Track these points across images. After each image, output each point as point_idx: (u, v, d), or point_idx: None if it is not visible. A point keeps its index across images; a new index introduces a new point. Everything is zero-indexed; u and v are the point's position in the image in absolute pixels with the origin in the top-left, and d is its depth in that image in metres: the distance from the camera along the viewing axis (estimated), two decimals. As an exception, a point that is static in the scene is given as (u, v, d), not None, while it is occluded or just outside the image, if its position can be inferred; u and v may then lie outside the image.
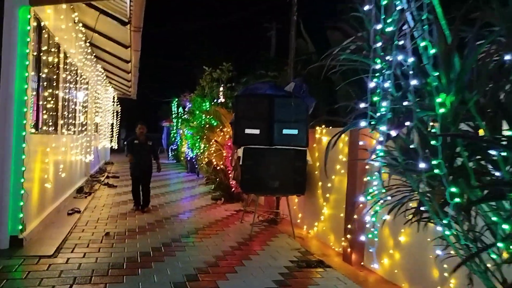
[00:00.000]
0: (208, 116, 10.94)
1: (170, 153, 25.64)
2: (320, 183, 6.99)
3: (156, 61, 33.05)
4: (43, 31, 6.38)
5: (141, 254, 5.57)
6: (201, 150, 11.10)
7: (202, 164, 11.33)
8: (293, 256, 5.84)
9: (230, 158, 8.15)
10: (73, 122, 9.97)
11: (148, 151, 8.64)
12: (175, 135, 24.46)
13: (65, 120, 8.76)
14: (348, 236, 5.68)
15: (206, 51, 30.06)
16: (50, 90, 7.18)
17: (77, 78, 10.21)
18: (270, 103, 7.05)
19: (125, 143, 9.50)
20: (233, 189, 9.54)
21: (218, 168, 10.28)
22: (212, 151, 10.30)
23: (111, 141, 24.77)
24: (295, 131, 7.03)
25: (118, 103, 25.18)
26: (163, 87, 34.27)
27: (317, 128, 7.20)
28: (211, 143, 10.48)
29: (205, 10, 32.49)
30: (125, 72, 13.93)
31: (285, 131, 7.02)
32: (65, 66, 8.54)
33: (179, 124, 22.86)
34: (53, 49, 7.09)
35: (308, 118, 7.14)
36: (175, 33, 31.82)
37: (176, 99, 25.77)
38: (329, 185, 6.63)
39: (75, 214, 7.93)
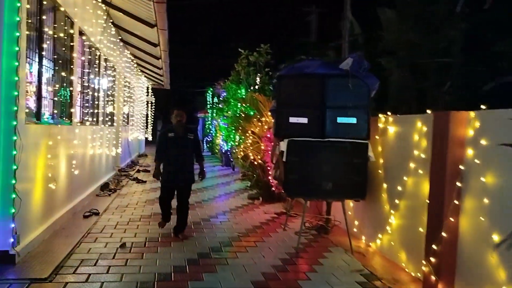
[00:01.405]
0: (244, 105, 9.65)
1: (205, 145, 24.69)
2: (385, 185, 5.53)
3: (190, 50, 32.17)
4: (45, -2, 5.25)
5: (159, 277, 4.35)
6: (236, 143, 9.84)
7: (237, 158, 10.07)
8: (355, 282, 4.46)
9: (270, 153, 6.79)
10: (96, 111, 8.95)
11: (189, 150, 5.97)
12: (210, 126, 23.48)
13: (83, 109, 7.71)
14: (432, 259, 4.22)
15: (241, 38, 28.76)
16: (60, 73, 6.09)
17: (100, 62, 9.17)
18: (322, 84, 5.64)
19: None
20: (273, 188, 8.22)
21: (255, 163, 8.99)
22: (248, 144, 9.02)
23: (145, 132, 24.13)
24: (353, 120, 5.60)
25: (152, 93, 24.46)
26: (198, 77, 33.39)
27: (381, 115, 5.72)
28: (247, 134, 9.19)
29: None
30: (155, 58, 12.86)
31: (340, 120, 5.60)
32: (82, 48, 7.47)
33: (214, 114, 21.82)
34: (60, 23, 5.97)
35: (370, 103, 5.69)
36: (210, 19, 30.70)
37: (211, 89, 24.76)
38: (399, 188, 5.16)
39: (92, 216, 6.89)
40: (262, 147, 8.79)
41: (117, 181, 10.87)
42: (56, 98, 5.84)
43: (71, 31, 6.48)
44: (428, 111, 4.84)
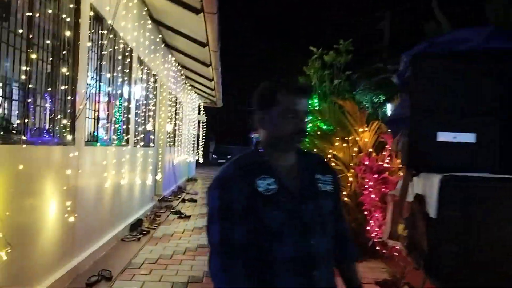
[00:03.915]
0: (320, 118, 7.07)
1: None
2: None
3: (243, 63, 30.24)
4: None
5: None
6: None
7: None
8: None
9: (399, 198, 4.00)
10: (124, 127, 6.77)
11: (329, 231, 1.66)
12: (266, 147, 21.08)
13: (98, 123, 5.50)
14: None
15: (302, 50, 26.45)
16: (53, 67, 3.89)
17: (132, 64, 7.02)
18: (502, 70, 2.95)
19: (209, 191, 1.64)
20: (370, 241, 5.46)
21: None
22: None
23: (197, 154, 22.24)
24: None
25: (204, 112, 22.61)
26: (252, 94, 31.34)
27: None
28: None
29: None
30: (205, 66, 10.69)
31: (545, 139, 2.86)
32: (99, 37, 5.31)
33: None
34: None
35: None
36: (268, 29, 28.61)
37: (268, 106, 22.51)
38: None
39: (99, 283, 4.54)
40: (350, 179, 6.13)
41: (154, 215, 8.59)
42: (36, 104, 3.58)
43: (72, 5, 4.27)
44: None
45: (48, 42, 4.03)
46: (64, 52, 4.08)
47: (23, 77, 3.36)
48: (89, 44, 4.66)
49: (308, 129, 8.01)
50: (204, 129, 23.01)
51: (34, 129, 3.71)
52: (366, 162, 5.14)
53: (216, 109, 23.75)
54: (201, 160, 23.44)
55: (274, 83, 1.68)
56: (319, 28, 25.70)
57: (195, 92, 18.18)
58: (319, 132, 7.02)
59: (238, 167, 1.65)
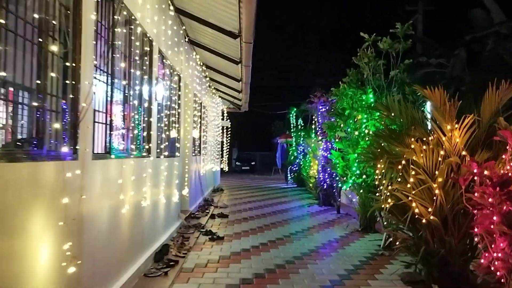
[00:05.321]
0: (386, 115, 5.64)
1: (289, 175, 20.89)
2: None
3: (267, 69, 28.94)
4: None
5: None
6: (376, 180, 5.71)
7: (383, 211, 5.93)
8: None
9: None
10: (144, 134, 5.52)
11: None
12: (295, 152, 19.70)
13: (112, 129, 4.23)
14: None
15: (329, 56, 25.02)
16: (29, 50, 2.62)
17: (152, 56, 5.77)
18: None
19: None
20: (480, 277, 3.98)
21: (422, 220, 4.84)
22: (408, 185, 4.90)
23: (220, 162, 20.99)
24: None
25: (227, 117, 21.34)
26: (276, 100, 30.14)
27: None
28: (399, 167, 5.11)
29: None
30: (234, 63, 9.43)
31: None
32: (109, 22, 4.06)
33: (301, 138, 18.10)
34: None
35: None
36: (293, 29, 27.26)
37: (294, 109, 21.14)
38: None
39: None
40: (436, 191, 4.68)
41: (182, 239, 7.29)
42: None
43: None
44: None
45: (35, 16, 2.81)
46: (54, 23, 2.82)
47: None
48: (93, 17, 3.39)
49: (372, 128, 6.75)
50: (229, 135, 21.77)
51: (11, 138, 2.45)
52: (475, 170, 3.71)
53: (238, 114, 22.54)
54: (226, 169, 22.19)
55: None
56: (348, 25, 24.24)
57: (219, 96, 16.97)
58: (386, 132, 5.59)
59: None
